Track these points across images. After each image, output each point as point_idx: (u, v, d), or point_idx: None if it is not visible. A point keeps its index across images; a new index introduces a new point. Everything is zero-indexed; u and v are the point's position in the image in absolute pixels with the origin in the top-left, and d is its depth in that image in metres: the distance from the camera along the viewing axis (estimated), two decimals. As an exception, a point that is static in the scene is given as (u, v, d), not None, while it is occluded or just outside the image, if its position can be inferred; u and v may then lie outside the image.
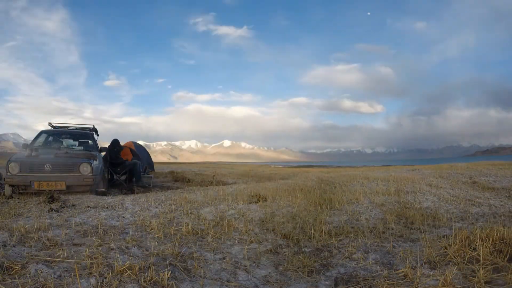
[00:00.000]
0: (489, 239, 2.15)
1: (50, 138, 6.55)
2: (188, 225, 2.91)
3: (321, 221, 3.16)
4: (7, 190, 4.86)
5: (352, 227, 3.01)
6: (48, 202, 3.99)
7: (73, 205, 3.87)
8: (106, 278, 1.76)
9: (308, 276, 2.03)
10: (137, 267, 1.89)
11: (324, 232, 2.80)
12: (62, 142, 6.71)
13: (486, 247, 2.05)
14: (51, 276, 1.76)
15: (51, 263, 1.95)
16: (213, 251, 2.36)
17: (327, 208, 3.84)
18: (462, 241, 2.19)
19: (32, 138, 6.36)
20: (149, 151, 12.51)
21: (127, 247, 2.31)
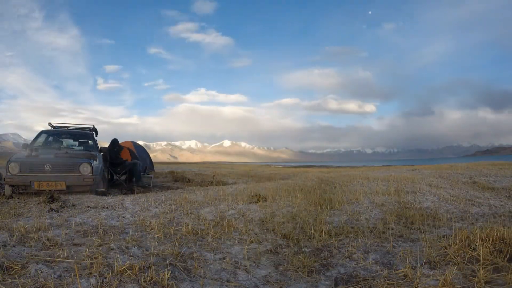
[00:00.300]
0: (489, 239, 2.15)
1: (50, 138, 6.55)
2: (188, 225, 2.91)
3: (321, 221, 3.16)
4: (7, 190, 4.86)
5: (352, 227, 3.01)
6: (48, 202, 3.99)
7: (73, 205, 3.87)
8: (106, 278, 1.76)
9: (308, 276, 2.03)
10: (137, 267, 1.89)
11: (324, 232, 2.80)
12: (62, 142, 6.71)
13: (486, 247, 2.05)
14: (51, 276, 1.76)
15: (51, 263, 1.95)
16: (213, 251, 2.36)
17: (327, 208, 3.84)
18: (462, 241, 2.19)
19: (32, 138, 6.36)
20: (149, 151, 12.51)
21: (127, 247, 2.31)
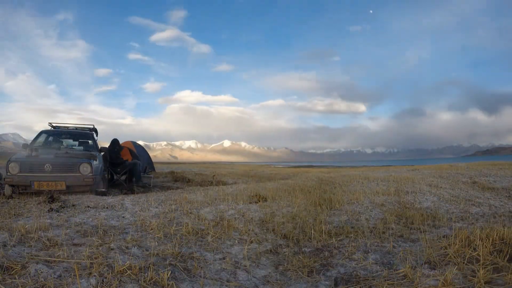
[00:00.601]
0: (489, 239, 2.15)
1: (50, 138, 6.55)
2: (188, 225, 2.91)
3: (321, 221, 3.16)
4: (7, 190, 4.86)
5: (352, 227, 3.01)
6: (48, 202, 3.99)
7: (73, 205, 3.87)
8: (106, 278, 1.76)
9: (308, 276, 2.03)
10: (137, 267, 1.89)
11: (324, 232, 2.80)
12: (62, 142, 6.71)
13: (486, 247, 2.05)
14: (51, 276, 1.76)
15: (51, 263, 1.95)
16: (213, 251, 2.36)
17: (327, 208, 3.83)
18: (462, 241, 2.19)
19: (32, 138, 6.36)
20: (149, 151, 12.52)
21: (127, 247, 2.31)
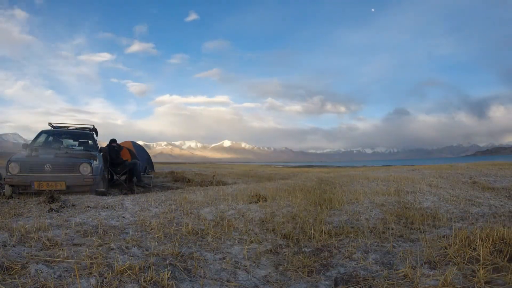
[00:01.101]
0: (489, 239, 2.15)
1: (50, 138, 6.55)
2: (188, 225, 2.91)
3: (321, 221, 3.16)
4: (7, 190, 4.86)
5: (352, 227, 3.01)
6: (48, 202, 3.99)
7: (73, 205, 3.87)
8: (106, 278, 1.76)
9: (308, 276, 2.03)
10: (137, 267, 1.89)
11: (324, 232, 2.80)
12: (62, 142, 6.71)
13: (486, 247, 2.05)
14: (51, 276, 1.76)
15: (51, 263, 1.95)
16: (213, 251, 2.36)
17: (327, 208, 3.84)
18: (462, 241, 2.19)
19: (32, 138, 6.36)
20: (149, 151, 12.52)
21: (127, 247, 2.31)
